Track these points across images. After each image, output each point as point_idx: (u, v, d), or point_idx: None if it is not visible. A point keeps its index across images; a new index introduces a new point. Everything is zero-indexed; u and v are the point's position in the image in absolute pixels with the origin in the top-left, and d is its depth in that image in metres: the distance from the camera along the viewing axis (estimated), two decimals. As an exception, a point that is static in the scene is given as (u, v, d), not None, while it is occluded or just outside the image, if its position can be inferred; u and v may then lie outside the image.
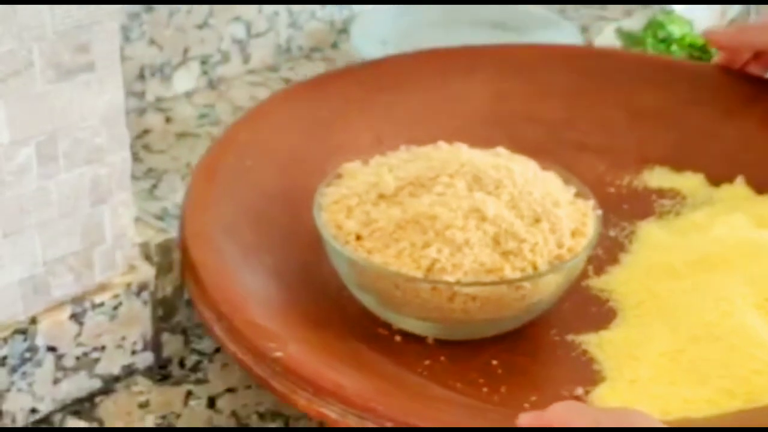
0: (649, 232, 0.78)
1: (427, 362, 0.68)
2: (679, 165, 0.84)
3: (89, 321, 0.66)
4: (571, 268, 0.68)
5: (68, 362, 0.66)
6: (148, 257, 0.69)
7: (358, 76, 0.87)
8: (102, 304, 0.66)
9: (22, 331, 0.64)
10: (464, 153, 0.71)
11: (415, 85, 0.86)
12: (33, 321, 0.65)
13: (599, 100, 0.87)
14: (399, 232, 0.66)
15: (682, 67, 0.91)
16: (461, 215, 0.66)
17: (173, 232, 0.71)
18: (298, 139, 0.80)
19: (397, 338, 0.69)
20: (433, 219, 0.66)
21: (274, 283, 0.69)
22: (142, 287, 0.68)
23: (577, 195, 0.72)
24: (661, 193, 0.83)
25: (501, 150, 0.73)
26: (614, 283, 0.74)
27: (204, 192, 0.73)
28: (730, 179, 0.83)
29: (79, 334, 0.66)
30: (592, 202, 0.71)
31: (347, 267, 0.67)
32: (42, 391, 0.66)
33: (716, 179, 0.83)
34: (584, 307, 0.72)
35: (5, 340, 0.64)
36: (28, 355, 0.65)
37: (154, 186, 0.87)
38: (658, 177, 0.84)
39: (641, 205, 0.81)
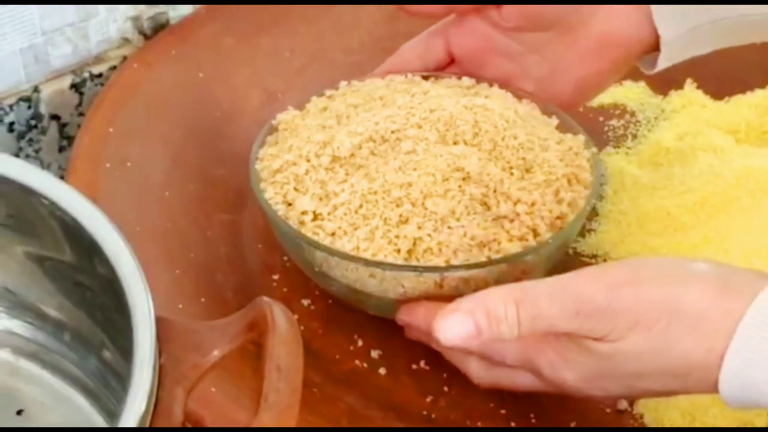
0: (618, 169, 0.67)
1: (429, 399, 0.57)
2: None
3: (88, 92, 0.71)
4: (573, 227, 0.56)
5: (71, 131, 0.70)
6: (141, 31, 0.72)
7: (224, 19, 0.74)
8: (100, 75, 0.71)
9: (26, 99, 0.69)
10: (426, 91, 0.59)
11: (297, 18, 0.75)
12: (36, 89, 0.69)
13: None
14: (367, 207, 0.55)
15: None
16: (440, 177, 0.55)
17: (164, 7, 0.72)
18: (174, 115, 0.68)
19: (382, 371, 0.58)
20: (407, 187, 0.55)
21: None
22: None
23: (559, 128, 0.60)
24: (605, 111, 0.72)
25: (465, 80, 0.62)
26: (606, 244, 0.63)
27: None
28: (676, 84, 0.72)
29: (79, 104, 0.71)
30: (582, 138, 0.59)
31: (307, 255, 0.56)
32: (49, 158, 0.72)
33: (661, 86, 0.73)
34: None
35: (11, 107, 0.68)
36: (33, 122, 0.70)
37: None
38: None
39: (590, 131, 0.64)
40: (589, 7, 0.59)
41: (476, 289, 0.52)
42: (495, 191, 0.55)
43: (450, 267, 0.53)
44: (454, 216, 0.54)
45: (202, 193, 0.64)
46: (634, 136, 0.71)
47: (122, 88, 0.69)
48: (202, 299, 0.59)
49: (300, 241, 0.55)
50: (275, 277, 0.61)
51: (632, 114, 0.72)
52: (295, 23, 0.75)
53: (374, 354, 0.58)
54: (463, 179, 0.55)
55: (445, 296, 0.53)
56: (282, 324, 0.44)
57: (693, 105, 0.71)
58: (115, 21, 0.70)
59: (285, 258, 0.61)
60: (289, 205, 0.56)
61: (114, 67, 0.71)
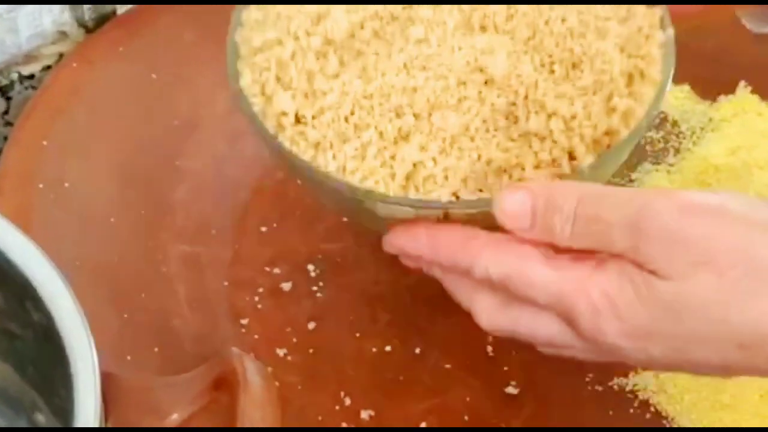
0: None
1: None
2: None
3: (17, 96, 0.66)
4: (621, 149, 0.48)
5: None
6: (81, 23, 0.66)
7: (182, 9, 0.68)
8: (31, 77, 0.66)
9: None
10: None
11: None
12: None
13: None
14: (360, 116, 0.47)
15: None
16: (454, 81, 0.47)
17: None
18: (122, 125, 0.63)
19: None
20: (411, 93, 0.47)
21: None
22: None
23: None
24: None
25: None
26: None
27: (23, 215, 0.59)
28: (727, 88, 0.66)
29: (6, 111, 0.66)
30: (659, 12, 0.50)
31: (284, 164, 0.50)
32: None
33: (709, 90, 0.66)
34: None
35: None
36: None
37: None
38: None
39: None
40: None
41: (490, 226, 0.46)
42: (526, 98, 0.47)
43: (454, 203, 0.46)
44: (467, 134, 0.47)
45: (155, 220, 0.60)
46: (677, 151, 0.64)
47: (59, 93, 0.64)
48: (156, 349, 0.56)
49: (278, 150, 0.48)
50: (244, 321, 0.57)
51: (674, 124, 0.66)
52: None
53: (364, 415, 0.54)
54: (485, 83, 0.47)
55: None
56: (255, 381, 0.43)
57: (747, 113, 0.65)
58: (50, 11, 0.64)
59: (256, 299, 0.57)
60: (269, 99, 0.49)
61: (48, 67, 0.66)
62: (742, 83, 0.65)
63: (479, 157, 0.46)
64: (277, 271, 0.58)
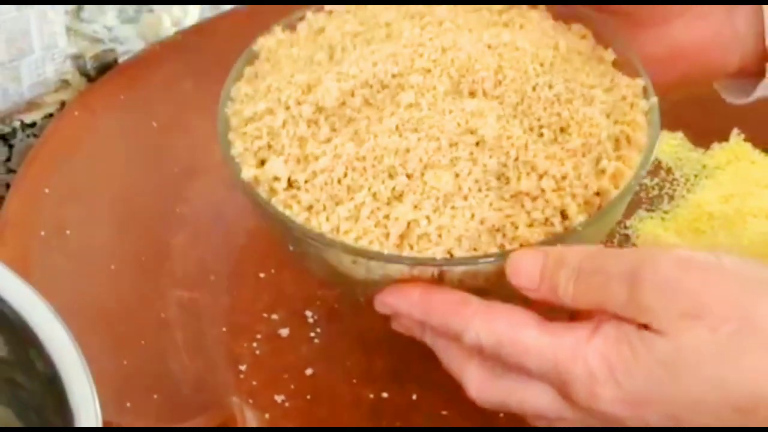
0: (653, 237, 0.61)
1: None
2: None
3: (20, 144, 0.66)
4: (614, 209, 0.48)
5: (-2, 193, 0.66)
6: (83, 71, 0.67)
7: (183, 57, 0.69)
8: (33, 125, 0.66)
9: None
10: (441, 21, 0.52)
11: None
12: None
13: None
14: (353, 177, 0.47)
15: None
16: (446, 142, 0.47)
17: (111, 44, 0.69)
18: (122, 173, 0.63)
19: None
20: (403, 154, 0.47)
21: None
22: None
23: (617, 65, 0.53)
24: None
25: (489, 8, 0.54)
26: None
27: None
28: (720, 136, 0.66)
29: (8, 159, 0.66)
30: (641, 83, 0.51)
31: (279, 229, 0.49)
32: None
33: (702, 138, 0.66)
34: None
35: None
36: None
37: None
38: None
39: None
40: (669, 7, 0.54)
41: (487, 286, 0.46)
42: (516, 160, 0.47)
43: (450, 260, 0.46)
44: (460, 193, 0.47)
45: (155, 266, 0.60)
46: (671, 197, 0.64)
47: (60, 140, 0.64)
48: (155, 396, 0.54)
49: (270, 215, 0.48)
50: (242, 367, 0.56)
51: (668, 171, 0.66)
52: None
53: (362, 461, 0.54)
54: (477, 144, 0.47)
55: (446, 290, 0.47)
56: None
57: (740, 160, 0.65)
58: (53, 60, 0.65)
59: (254, 345, 0.56)
60: (262, 163, 0.49)
61: (50, 115, 0.66)
62: (735, 131, 0.65)
63: (472, 216, 0.46)
64: (275, 317, 0.57)
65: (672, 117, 0.55)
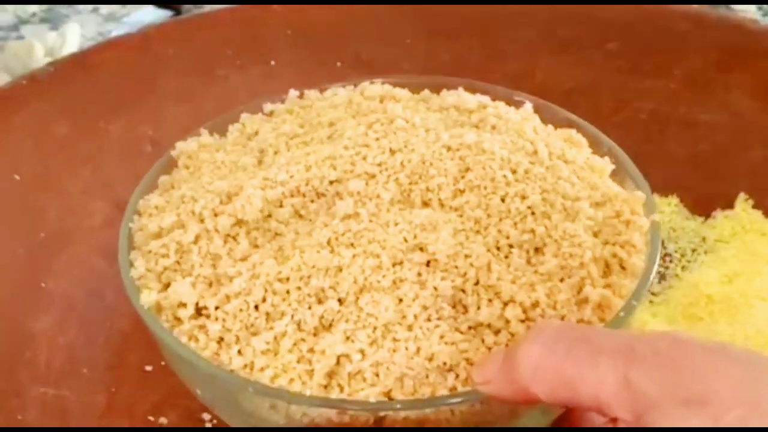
0: (640, 325, 0.56)
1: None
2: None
3: None
4: None
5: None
6: None
7: (54, 96, 0.63)
8: None
9: None
10: (392, 119, 0.47)
11: (164, 95, 0.65)
12: None
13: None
14: (273, 302, 0.42)
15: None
16: (388, 261, 0.42)
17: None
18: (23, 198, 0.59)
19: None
20: (335, 274, 0.42)
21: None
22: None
23: (615, 177, 0.48)
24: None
25: (472, 100, 0.49)
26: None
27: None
28: (723, 201, 0.61)
29: None
30: (641, 196, 0.46)
31: (184, 368, 0.44)
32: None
33: (702, 204, 0.61)
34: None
35: None
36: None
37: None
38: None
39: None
40: None
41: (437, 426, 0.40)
42: (477, 284, 0.41)
43: (386, 403, 0.40)
44: (404, 322, 0.41)
45: (12, 356, 0.55)
46: (663, 277, 0.59)
47: None
48: None
49: (173, 349, 0.42)
50: None
51: (661, 243, 0.61)
52: (160, 101, 0.64)
53: None
54: (427, 264, 0.42)
55: None
56: None
57: (748, 232, 0.60)
58: None
59: None
60: (166, 287, 0.44)
61: None
62: (742, 195, 0.60)
63: (418, 351, 0.41)
64: (163, 420, 0.52)
65: (665, 177, 0.53)
